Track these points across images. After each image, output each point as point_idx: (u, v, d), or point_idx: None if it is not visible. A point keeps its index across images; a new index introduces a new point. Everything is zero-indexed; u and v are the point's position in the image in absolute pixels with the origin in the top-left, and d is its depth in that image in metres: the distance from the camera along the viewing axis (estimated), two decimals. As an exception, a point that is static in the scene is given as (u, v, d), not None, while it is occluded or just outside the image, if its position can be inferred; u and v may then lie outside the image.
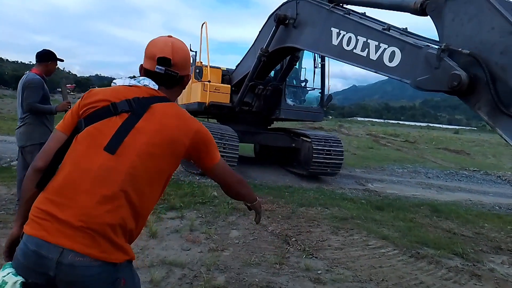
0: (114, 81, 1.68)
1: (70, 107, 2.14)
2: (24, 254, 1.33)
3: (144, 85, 1.59)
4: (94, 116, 1.47)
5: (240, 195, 1.91)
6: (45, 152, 1.50)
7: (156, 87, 1.60)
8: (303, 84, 10.15)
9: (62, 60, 4.42)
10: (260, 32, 8.19)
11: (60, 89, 4.62)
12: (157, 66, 1.59)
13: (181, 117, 1.57)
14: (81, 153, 1.42)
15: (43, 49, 4.30)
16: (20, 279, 1.32)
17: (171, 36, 1.70)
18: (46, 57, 4.24)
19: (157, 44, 1.64)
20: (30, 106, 4.05)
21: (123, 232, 1.39)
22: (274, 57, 7.79)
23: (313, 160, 8.56)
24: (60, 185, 1.38)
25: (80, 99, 1.57)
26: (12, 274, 1.34)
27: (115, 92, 1.55)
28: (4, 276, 1.33)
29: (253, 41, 8.51)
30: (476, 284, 3.77)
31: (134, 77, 1.67)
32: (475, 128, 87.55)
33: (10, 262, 1.40)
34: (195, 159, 1.64)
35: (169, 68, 1.60)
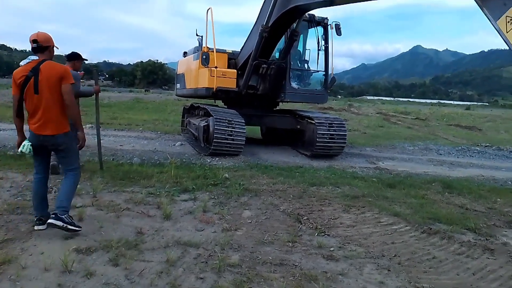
0: (20, 63, 3.63)
1: (100, 90, 6.04)
2: (32, 137, 3.56)
3: (32, 59, 3.53)
4: (24, 83, 3.47)
5: (73, 116, 3.69)
6: (14, 105, 3.58)
7: (36, 57, 3.53)
8: (306, 65, 10.14)
9: (86, 60, 5.96)
10: (260, 10, 8.29)
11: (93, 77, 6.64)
12: (32, 45, 3.55)
13: (52, 66, 3.52)
14: (29, 99, 3.51)
15: (72, 52, 5.77)
16: (30, 143, 3.55)
17: (39, 31, 3.64)
18: (72, 57, 5.73)
19: (32, 35, 3.58)
20: (78, 93, 5.54)
21: (59, 120, 3.57)
22: (275, 32, 7.95)
23: (317, 143, 8.76)
24: (30, 114, 3.54)
25: (13, 77, 3.54)
26: (28, 141, 3.57)
27: (24, 69, 3.51)
28: (27, 142, 3.55)
29: (255, 21, 8.61)
30: (489, 258, 3.78)
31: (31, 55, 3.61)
32: (487, 104, 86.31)
33: (26, 139, 3.60)
34: (61, 83, 3.51)
35: (37, 43, 3.54)
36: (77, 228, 3.60)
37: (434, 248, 3.92)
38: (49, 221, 3.52)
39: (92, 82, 6.26)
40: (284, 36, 8.80)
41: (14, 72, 3.54)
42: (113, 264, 3.13)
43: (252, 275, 3.09)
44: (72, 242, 3.49)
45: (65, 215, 3.54)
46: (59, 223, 3.49)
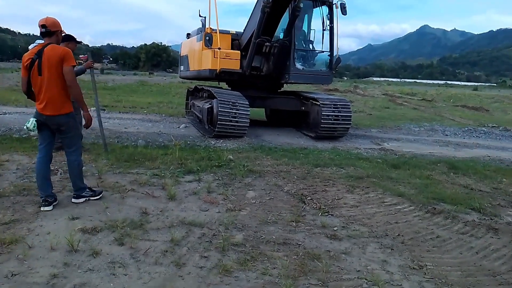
0: (29, 46, 4.13)
1: (93, 65, 6.03)
2: (37, 114, 3.79)
3: (38, 43, 3.97)
4: (30, 65, 3.70)
5: (75, 96, 3.85)
6: (23, 86, 3.84)
7: (42, 41, 3.89)
8: (311, 46, 9.98)
9: (80, 42, 6.10)
10: None
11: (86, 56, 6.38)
12: (41, 30, 3.76)
13: (54, 49, 3.69)
14: (34, 80, 3.73)
15: (65, 33, 5.41)
16: (35, 119, 3.76)
17: (48, 16, 3.84)
18: (65, 39, 5.55)
19: (40, 20, 3.77)
20: None
21: (60, 101, 3.76)
22: (277, 7, 7.84)
23: (321, 124, 8.73)
24: (36, 95, 3.80)
25: (22, 60, 3.78)
26: (33, 117, 3.78)
27: (30, 52, 3.75)
28: (32, 118, 3.76)
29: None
30: (492, 237, 3.78)
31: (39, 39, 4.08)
32: (495, 84, 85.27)
33: (33, 117, 3.78)
34: (62, 64, 3.67)
35: (45, 28, 3.75)
36: (98, 196, 4.15)
37: (437, 228, 3.93)
38: (72, 200, 4.06)
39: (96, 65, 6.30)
40: (287, 13, 8.66)
41: (23, 55, 3.83)
42: (119, 244, 3.17)
43: (255, 254, 3.12)
44: (77, 222, 3.54)
45: (84, 192, 4.08)
46: (81, 200, 4.06)
